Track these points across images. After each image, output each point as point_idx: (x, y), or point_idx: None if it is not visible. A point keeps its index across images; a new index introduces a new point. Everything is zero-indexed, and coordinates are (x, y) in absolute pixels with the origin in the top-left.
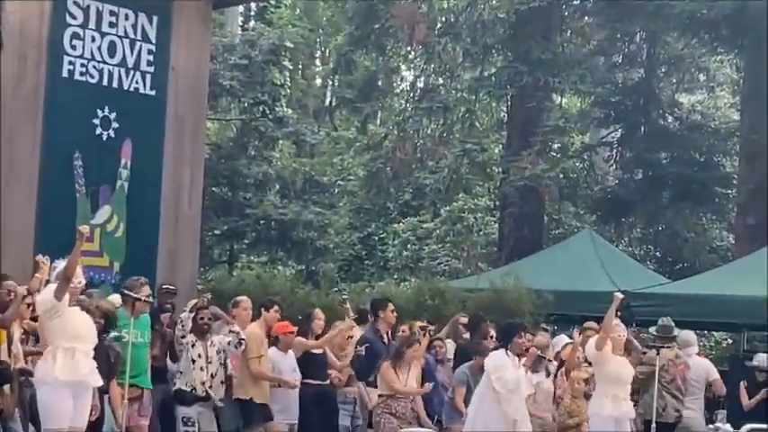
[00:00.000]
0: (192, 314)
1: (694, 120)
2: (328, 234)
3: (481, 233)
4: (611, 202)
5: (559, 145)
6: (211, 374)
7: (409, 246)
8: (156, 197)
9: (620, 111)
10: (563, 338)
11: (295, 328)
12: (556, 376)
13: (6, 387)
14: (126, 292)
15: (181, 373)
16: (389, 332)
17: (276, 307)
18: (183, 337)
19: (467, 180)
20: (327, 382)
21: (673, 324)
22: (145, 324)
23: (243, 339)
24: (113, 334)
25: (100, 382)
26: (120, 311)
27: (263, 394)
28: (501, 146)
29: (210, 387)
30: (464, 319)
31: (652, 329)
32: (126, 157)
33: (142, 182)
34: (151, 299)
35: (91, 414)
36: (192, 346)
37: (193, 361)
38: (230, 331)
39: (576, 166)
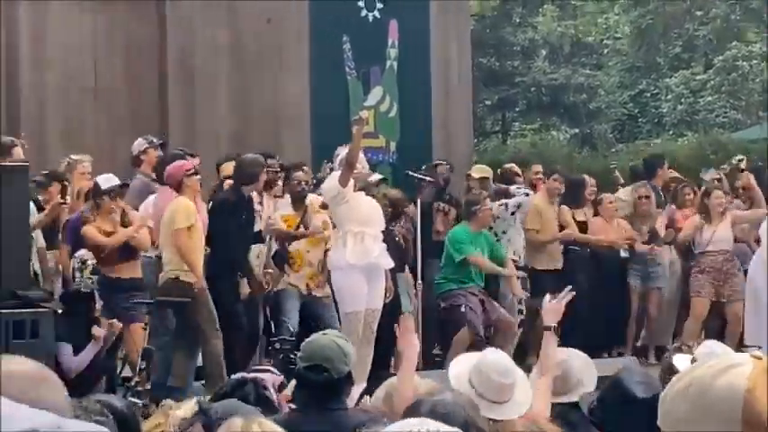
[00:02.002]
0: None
1: None
2: (599, 95)
3: (757, 80)
4: None
5: None
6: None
7: (683, 100)
8: (425, 74)
9: None
10: None
11: None
12: None
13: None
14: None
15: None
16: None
17: (556, 174)
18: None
19: (739, 27)
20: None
21: None
22: (487, 241)
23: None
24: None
25: (391, 264)
26: (461, 228)
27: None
28: None
29: None
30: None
31: None
32: (393, 37)
33: (411, 60)
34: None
35: (385, 295)
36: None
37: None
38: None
39: None
